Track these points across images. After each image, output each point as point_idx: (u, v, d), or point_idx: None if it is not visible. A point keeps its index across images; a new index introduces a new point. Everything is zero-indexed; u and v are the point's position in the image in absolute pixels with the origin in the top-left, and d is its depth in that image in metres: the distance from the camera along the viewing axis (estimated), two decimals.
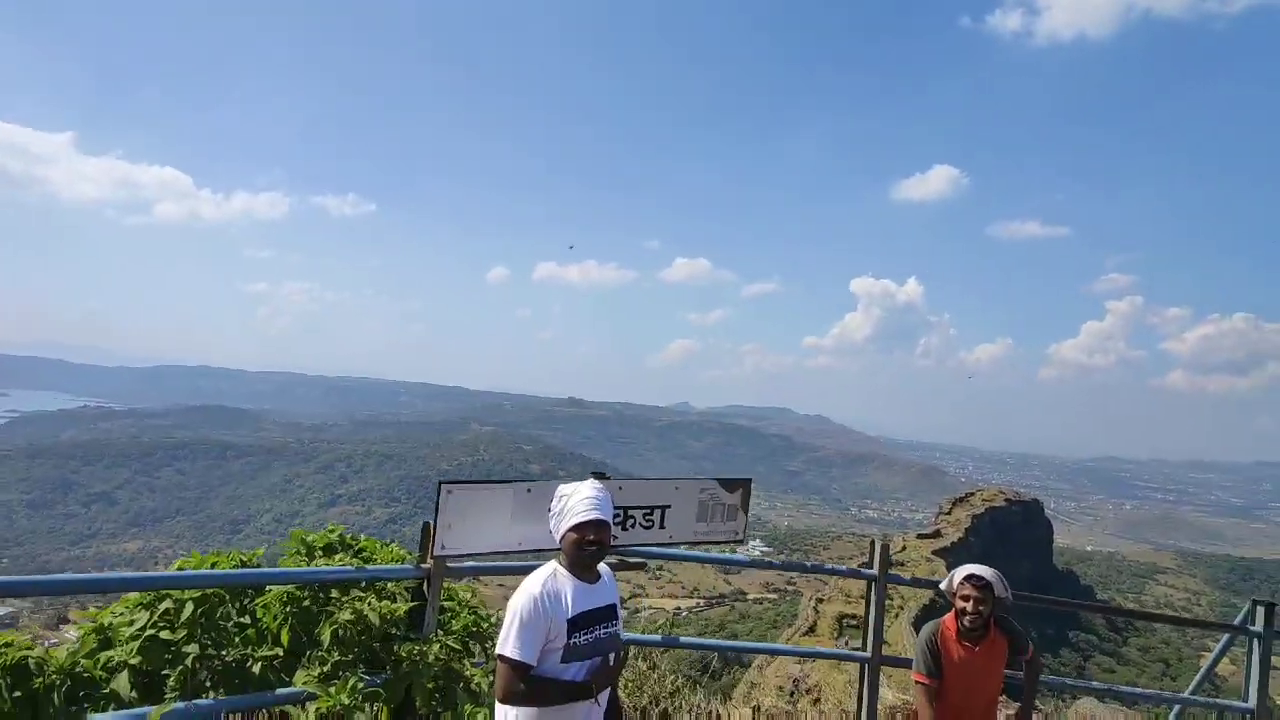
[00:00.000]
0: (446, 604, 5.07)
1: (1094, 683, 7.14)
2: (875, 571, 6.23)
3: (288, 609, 4.12)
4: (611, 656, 3.57)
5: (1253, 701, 7.06)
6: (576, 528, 3.47)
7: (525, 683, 3.24)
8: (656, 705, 5.93)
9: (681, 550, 6.19)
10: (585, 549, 3.46)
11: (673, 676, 6.36)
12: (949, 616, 4.86)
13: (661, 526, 5.19)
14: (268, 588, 4.21)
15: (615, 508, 4.87)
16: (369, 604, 4.12)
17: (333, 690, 3.77)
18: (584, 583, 3.49)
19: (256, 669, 3.97)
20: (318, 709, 3.69)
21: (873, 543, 6.37)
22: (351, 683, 3.82)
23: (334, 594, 4.28)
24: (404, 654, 4.13)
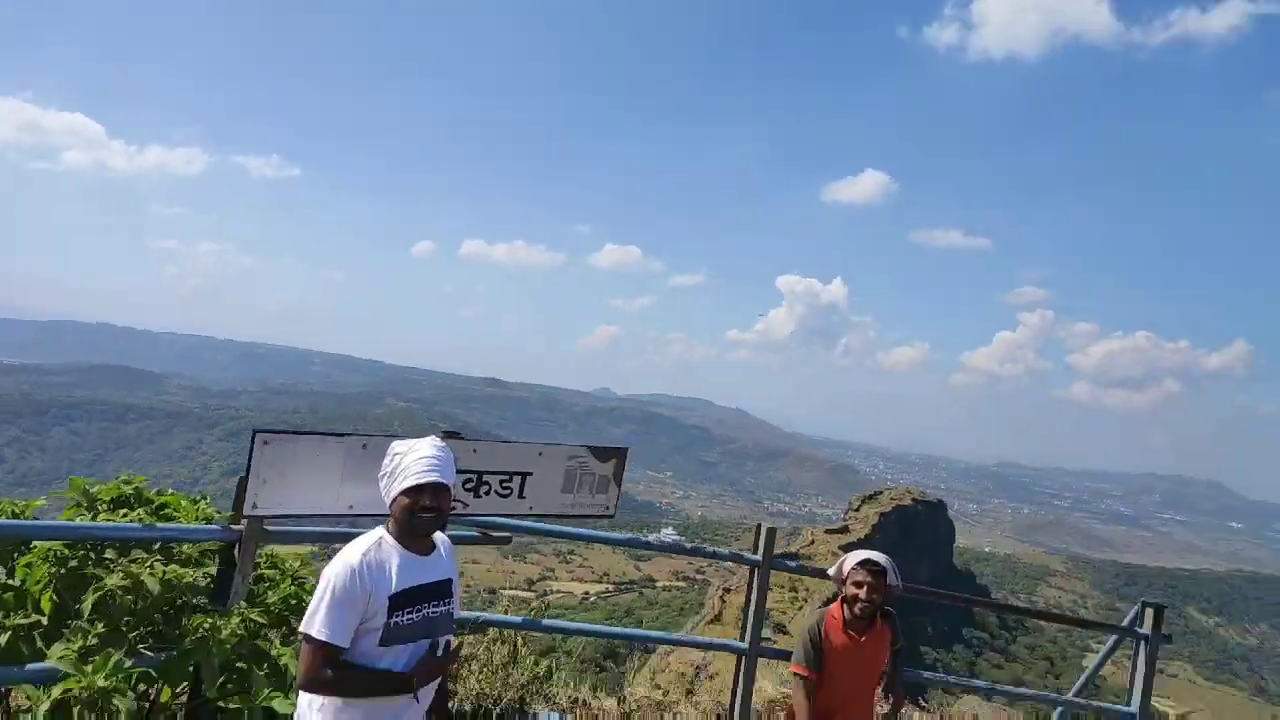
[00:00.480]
0: (268, 572, 4.43)
1: (977, 680, 6.90)
2: (758, 557, 5.80)
3: (53, 570, 3.44)
4: (441, 643, 3.12)
5: (1135, 705, 6.90)
6: (409, 491, 2.98)
7: (332, 668, 2.79)
8: (509, 694, 5.39)
9: (545, 525, 5.64)
10: (419, 516, 2.99)
11: (538, 663, 5.83)
12: (834, 605, 4.58)
13: (521, 496, 4.63)
14: (34, 544, 3.52)
15: (469, 472, 4.30)
16: (149, 568, 3.45)
17: (88, 669, 3.11)
18: (414, 554, 3.03)
19: (2, 640, 3.29)
20: (63, 690, 3.02)
21: (758, 527, 5.93)
22: (113, 660, 3.16)
23: (113, 556, 3.59)
24: (192, 628, 3.49)
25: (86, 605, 3.33)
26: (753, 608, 5.78)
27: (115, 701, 3.05)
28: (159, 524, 3.75)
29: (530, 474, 4.62)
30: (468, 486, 4.41)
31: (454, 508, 4.31)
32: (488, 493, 4.49)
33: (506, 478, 4.53)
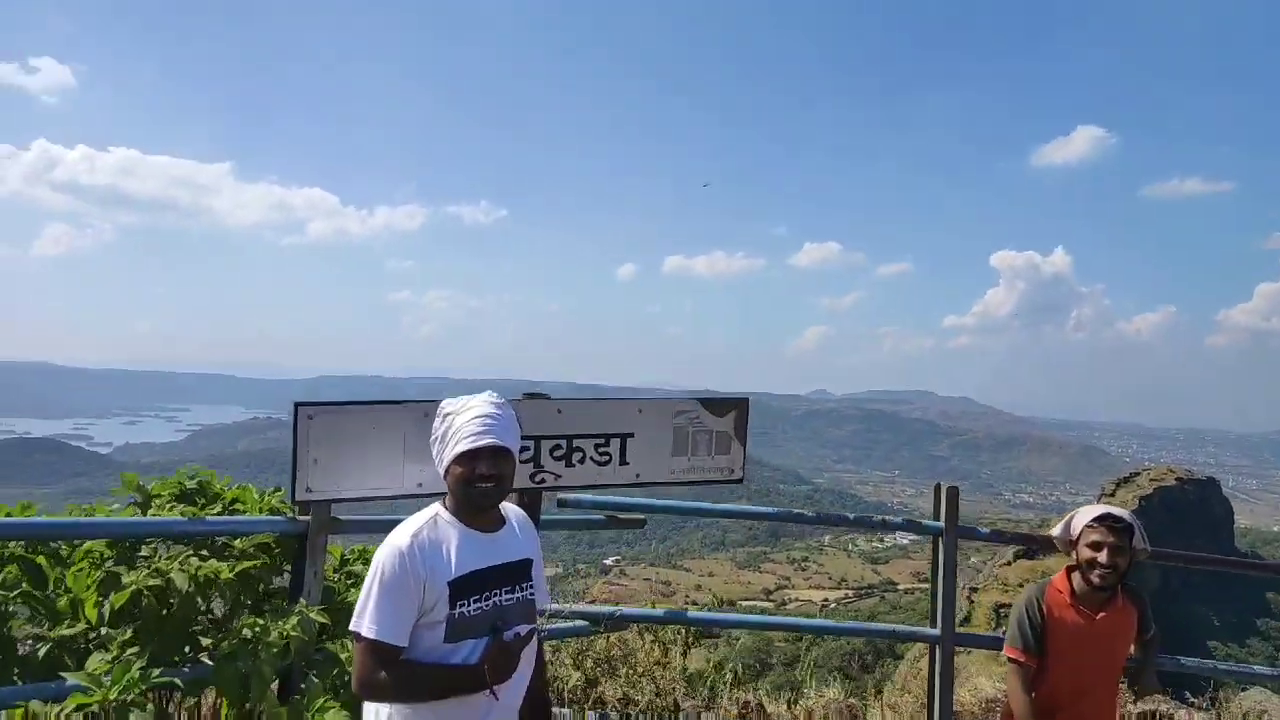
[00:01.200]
0: (357, 568, 4.00)
1: (1259, 667, 5.40)
2: (940, 523, 4.77)
3: (94, 574, 3.12)
4: (522, 632, 2.58)
5: None
6: (463, 458, 2.48)
7: (390, 669, 2.36)
8: (660, 699, 4.68)
9: (657, 500, 4.89)
10: (476, 487, 2.48)
11: (710, 664, 5.09)
12: (1059, 576, 3.65)
13: (624, 462, 3.93)
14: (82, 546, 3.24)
15: (556, 437, 3.68)
16: (179, 564, 3.04)
17: (108, 681, 2.71)
18: (478, 532, 2.55)
19: (42, 651, 2.99)
20: (76, 706, 2.63)
21: (936, 487, 4.89)
22: (130, 671, 2.75)
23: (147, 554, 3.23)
24: (236, 631, 3.06)
25: (108, 609, 2.98)
26: (941, 585, 4.75)
27: (132, 716, 2.62)
28: (209, 517, 3.38)
29: (631, 435, 3.91)
30: (557, 454, 3.77)
31: (542, 479, 3.72)
32: (581, 460, 3.83)
33: (602, 441, 3.85)
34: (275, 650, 3.04)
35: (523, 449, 3.68)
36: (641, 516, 4.81)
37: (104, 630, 3.00)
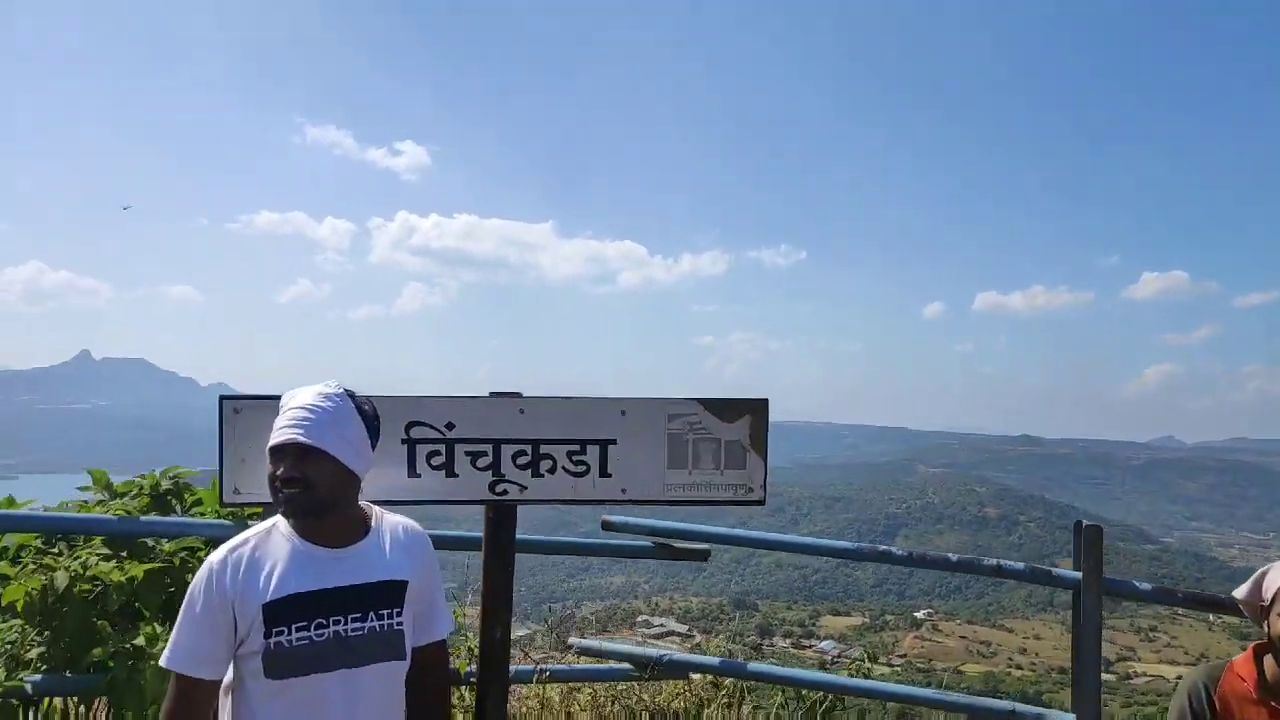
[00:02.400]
0: None
1: None
2: (1077, 574, 3.56)
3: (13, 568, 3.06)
4: (375, 673, 2.18)
5: None
6: (270, 454, 2.15)
7: (191, 707, 2.08)
8: None
9: (721, 529, 4.13)
10: (279, 491, 2.13)
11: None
12: (1243, 659, 2.61)
13: (605, 473, 3.29)
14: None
15: (519, 442, 3.18)
16: (65, 563, 2.90)
17: None
18: (318, 547, 2.16)
19: None
20: None
21: (1077, 525, 3.68)
22: None
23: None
24: (121, 641, 2.86)
25: None
26: (1082, 653, 3.53)
27: None
28: (143, 518, 3.24)
29: (613, 442, 3.28)
30: (521, 462, 3.24)
31: (504, 490, 3.21)
32: (551, 470, 3.25)
33: (577, 448, 3.26)
34: (155, 662, 2.80)
35: (479, 454, 3.21)
36: (704, 547, 4.12)
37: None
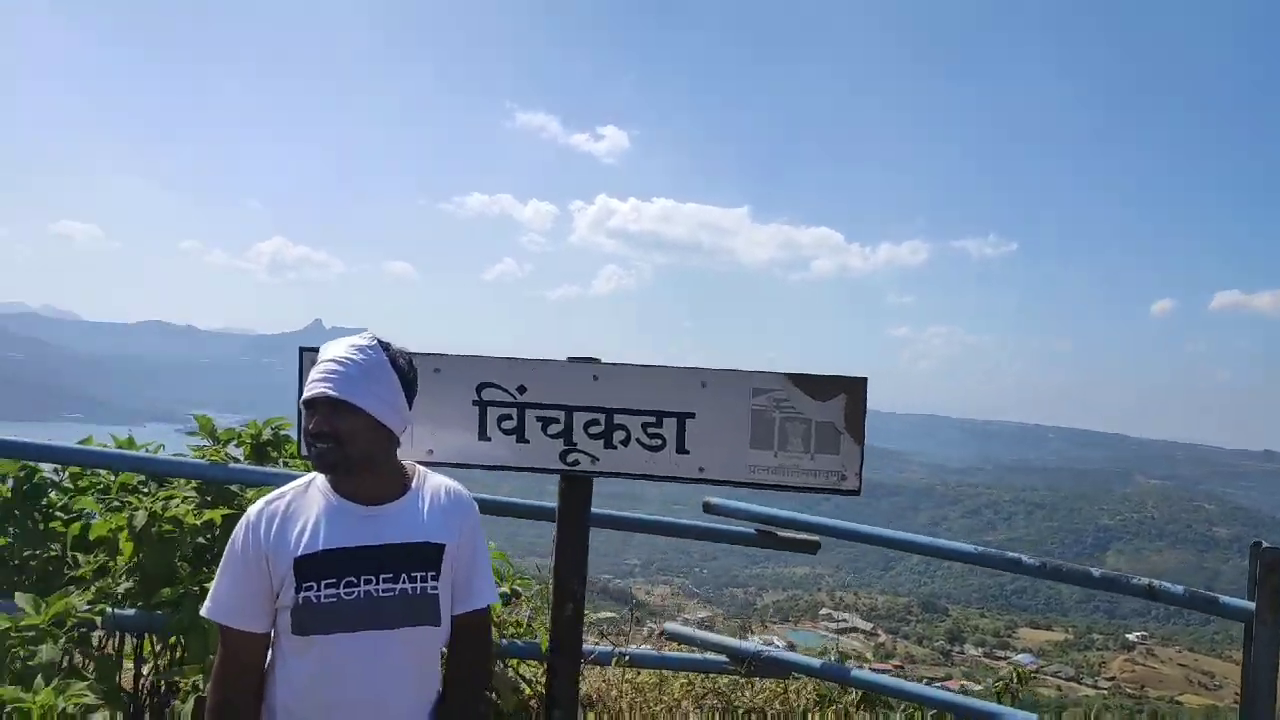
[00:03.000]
0: None
1: None
2: (1249, 604, 2.96)
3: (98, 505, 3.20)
4: (404, 637, 2.09)
5: None
6: (304, 407, 2.09)
7: (235, 661, 2.06)
8: None
9: (840, 522, 3.78)
10: (312, 447, 2.06)
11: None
12: None
13: (683, 449, 3.04)
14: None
15: (592, 409, 3.02)
16: (148, 503, 2.99)
17: (40, 609, 2.72)
18: (353, 504, 2.09)
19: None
20: None
21: (1254, 547, 3.06)
22: (56, 605, 2.73)
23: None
24: (188, 582, 2.94)
25: (68, 538, 3.04)
26: (1254, 693, 2.94)
27: (43, 646, 2.61)
28: (232, 465, 3.32)
29: (691, 416, 3.03)
30: (593, 432, 3.06)
31: (575, 460, 3.05)
32: (625, 442, 3.05)
33: (653, 420, 3.04)
34: None
35: (550, 420, 3.07)
36: (813, 538, 3.80)
37: (82, 559, 3.07)
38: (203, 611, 2.07)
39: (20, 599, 2.73)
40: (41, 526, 3.13)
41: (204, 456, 3.29)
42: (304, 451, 2.16)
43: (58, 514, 3.16)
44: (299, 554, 2.02)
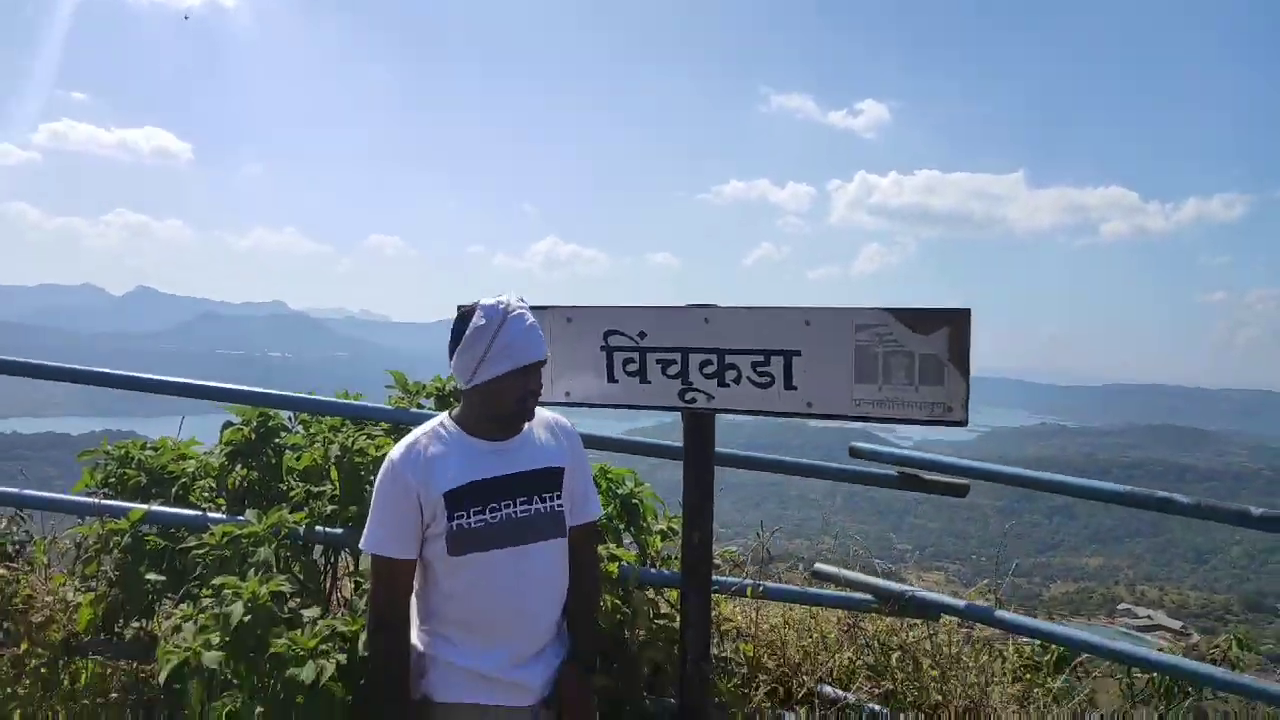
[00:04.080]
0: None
1: None
2: None
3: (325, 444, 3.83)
4: (541, 550, 2.51)
5: None
6: (519, 373, 2.39)
7: (394, 587, 2.43)
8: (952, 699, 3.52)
9: (990, 465, 3.70)
10: (524, 405, 2.47)
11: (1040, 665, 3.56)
12: None
13: (790, 386, 3.14)
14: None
15: (704, 350, 3.32)
16: (342, 438, 3.60)
17: (261, 520, 3.39)
18: (483, 441, 2.47)
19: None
20: (223, 533, 3.34)
21: None
22: (272, 516, 3.39)
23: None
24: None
25: (282, 469, 3.72)
26: None
27: (260, 549, 3.30)
28: (411, 408, 3.90)
29: (797, 353, 3.15)
30: (707, 371, 3.28)
31: (692, 398, 3.31)
32: (736, 380, 3.24)
33: (761, 359, 3.20)
34: None
35: (669, 362, 3.33)
36: (964, 482, 3.78)
37: (297, 485, 3.75)
38: (361, 545, 2.43)
39: (248, 512, 3.43)
40: (273, 461, 3.85)
41: (393, 404, 3.91)
42: (510, 408, 2.44)
43: (288, 450, 3.87)
44: (448, 488, 2.37)
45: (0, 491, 3.85)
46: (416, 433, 2.50)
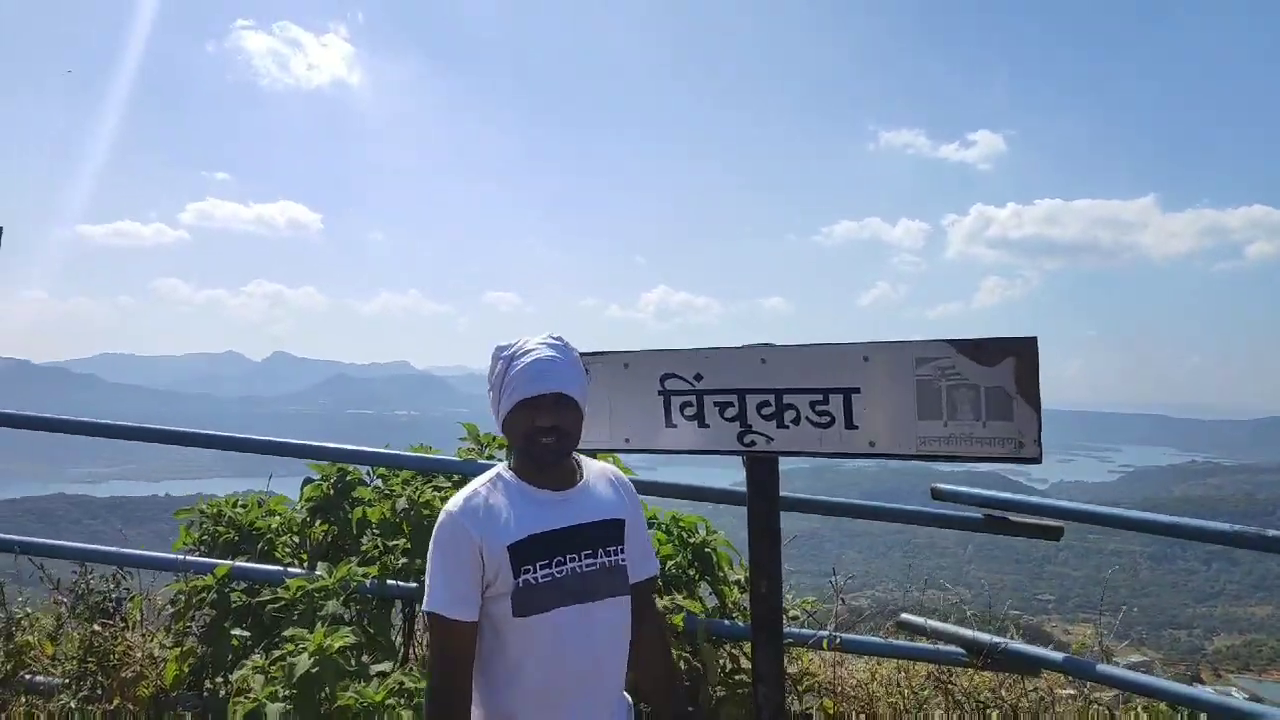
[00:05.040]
0: (661, 535, 3.99)
1: None
2: None
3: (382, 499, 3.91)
4: (607, 607, 2.31)
5: None
6: (521, 407, 2.24)
7: (454, 653, 2.16)
8: None
9: (1084, 505, 3.44)
10: (537, 442, 2.24)
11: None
12: None
13: (851, 425, 2.99)
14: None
15: (762, 391, 3.22)
16: (409, 492, 3.65)
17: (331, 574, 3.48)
18: (544, 491, 2.29)
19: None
20: (297, 587, 3.44)
21: None
22: (342, 569, 3.47)
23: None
24: None
25: (352, 524, 3.80)
26: None
27: (329, 602, 3.37)
28: (479, 459, 3.94)
29: (856, 391, 3.02)
30: (765, 413, 3.19)
31: (752, 441, 3.23)
32: (795, 421, 3.13)
33: (820, 398, 3.08)
34: None
35: (726, 404, 3.25)
36: (1055, 524, 3.54)
37: (369, 540, 3.81)
38: (425, 607, 2.16)
39: (320, 567, 3.51)
40: (350, 516, 3.94)
41: (462, 457, 3.94)
42: (520, 445, 2.25)
43: (365, 505, 3.96)
44: (512, 541, 2.16)
45: (102, 550, 4.06)
46: (475, 483, 2.29)
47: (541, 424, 2.18)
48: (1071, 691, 3.76)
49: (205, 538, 4.04)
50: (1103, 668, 3.27)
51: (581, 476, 2.35)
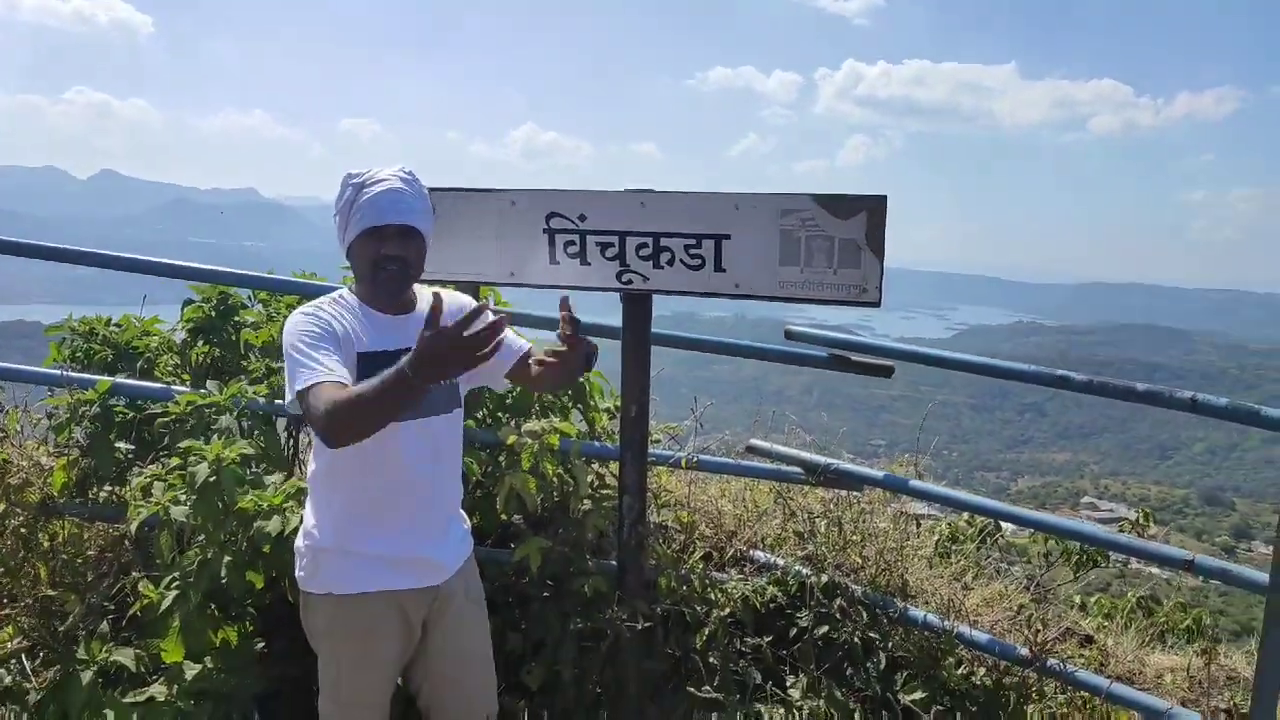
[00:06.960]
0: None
1: None
2: None
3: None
4: (445, 421, 2.53)
5: None
6: (367, 235, 2.32)
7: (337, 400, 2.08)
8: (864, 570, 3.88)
9: (916, 348, 3.94)
10: (382, 269, 2.35)
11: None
12: None
13: (720, 268, 3.33)
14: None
15: (640, 234, 3.44)
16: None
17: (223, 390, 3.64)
18: (382, 314, 2.42)
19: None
20: (188, 402, 3.59)
21: None
22: (232, 387, 3.62)
23: None
24: None
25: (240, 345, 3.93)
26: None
27: (222, 417, 3.50)
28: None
29: (727, 237, 3.32)
30: (643, 254, 3.45)
31: (629, 279, 3.47)
32: (670, 262, 3.42)
33: (693, 242, 3.37)
34: None
35: (607, 244, 3.49)
36: (889, 363, 4.01)
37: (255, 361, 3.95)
38: (310, 381, 2.13)
39: (210, 384, 3.62)
40: (233, 338, 4.03)
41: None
42: (364, 272, 2.36)
43: (247, 328, 4.04)
44: (363, 350, 2.31)
45: None
46: (320, 300, 2.40)
47: (387, 252, 2.31)
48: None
49: (79, 354, 4.03)
50: (915, 483, 3.87)
51: (416, 301, 2.50)
